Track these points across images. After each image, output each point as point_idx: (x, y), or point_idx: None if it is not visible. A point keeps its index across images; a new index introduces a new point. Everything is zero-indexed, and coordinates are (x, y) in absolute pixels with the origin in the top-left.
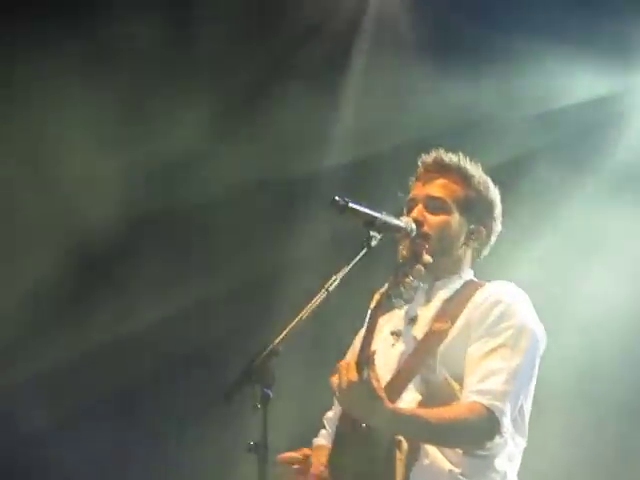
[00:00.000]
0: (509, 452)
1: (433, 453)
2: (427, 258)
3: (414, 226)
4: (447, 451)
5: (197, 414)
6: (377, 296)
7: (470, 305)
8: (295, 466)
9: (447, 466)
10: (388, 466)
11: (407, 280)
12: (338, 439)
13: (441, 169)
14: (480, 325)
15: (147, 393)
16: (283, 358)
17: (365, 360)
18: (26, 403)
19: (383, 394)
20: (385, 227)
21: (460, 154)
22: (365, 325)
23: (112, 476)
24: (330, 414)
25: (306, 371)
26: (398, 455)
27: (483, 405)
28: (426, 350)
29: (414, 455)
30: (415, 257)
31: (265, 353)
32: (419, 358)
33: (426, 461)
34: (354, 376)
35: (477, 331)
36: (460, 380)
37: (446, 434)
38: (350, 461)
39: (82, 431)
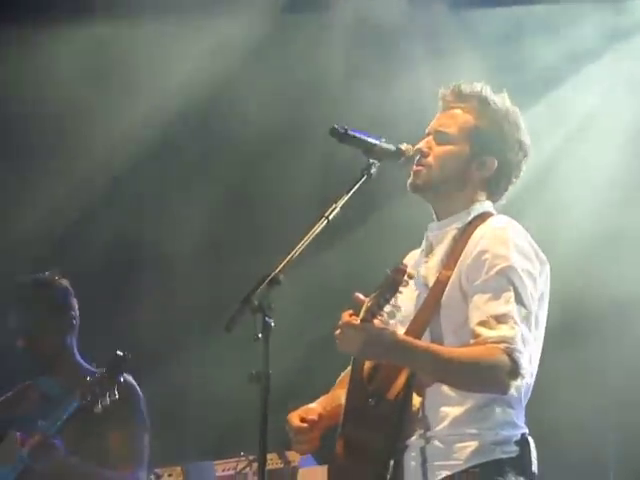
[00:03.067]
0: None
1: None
2: (412, 273)
3: (413, 153)
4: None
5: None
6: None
7: (466, 249)
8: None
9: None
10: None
11: (386, 309)
12: (347, 414)
13: (458, 99)
14: (472, 275)
15: None
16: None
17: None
18: None
19: (390, 329)
20: (384, 154)
21: (483, 84)
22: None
23: None
24: (344, 374)
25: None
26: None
27: (500, 349)
28: (433, 302)
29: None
30: (395, 285)
31: (266, 282)
32: (429, 309)
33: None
34: (355, 319)
35: (471, 281)
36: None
37: (466, 373)
38: (357, 441)
39: None
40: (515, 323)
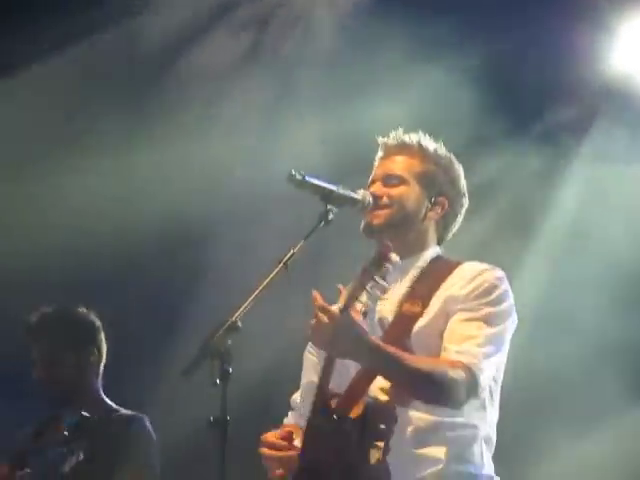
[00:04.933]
0: (484, 430)
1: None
2: (395, 257)
3: (371, 199)
4: (423, 428)
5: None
6: (343, 292)
7: (445, 286)
8: (280, 453)
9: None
10: (361, 453)
11: (374, 281)
12: (310, 431)
13: (400, 147)
14: (460, 301)
15: None
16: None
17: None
18: None
19: (365, 328)
20: (342, 200)
21: (420, 132)
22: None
23: None
24: (296, 397)
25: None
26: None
27: (462, 363)
28: (399, 333)
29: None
30: (382, 257)
31: (223, 329)
32: (391, 340)
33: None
34: (333, 311)
35: (456, 306)
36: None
37: (426, 380)
38: (324, 454)
39: None
40: (482, 342)
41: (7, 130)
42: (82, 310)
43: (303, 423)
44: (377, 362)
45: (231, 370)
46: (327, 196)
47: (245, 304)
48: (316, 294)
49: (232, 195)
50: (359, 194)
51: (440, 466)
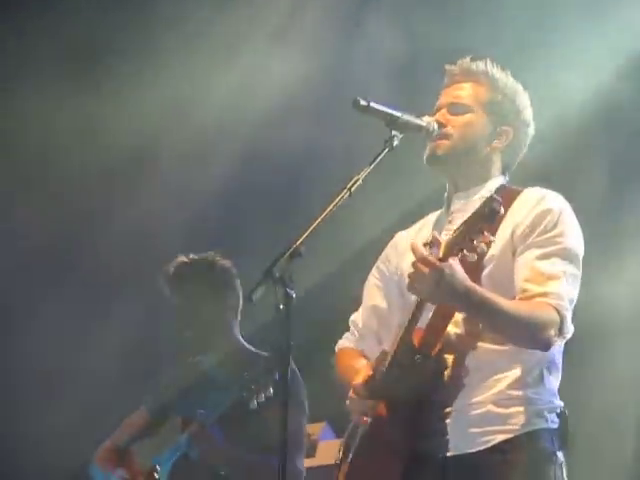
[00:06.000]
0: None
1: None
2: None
3: (436, 125)
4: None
5: None
6: (439, 239)
7: (511, 212)
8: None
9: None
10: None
11: (483, 235)
12: (392, 368)
13: (467, 74)
14: (530, 233)
15: None
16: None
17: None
18: None
19: (465, 276)
20: (406, 126)
21: (487, 60)
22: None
23: None
24: (357, 319)
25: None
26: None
27: (550, 305)
28: (471, 263)
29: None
30: (494, 212)
31: (287, 254)
32: (467, 272)
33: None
34: (434, 262)
35: (529, 239)
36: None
37: (523, 327)
38: (404, 390)
39: None
40: (564, 281)
41: None
42: (219, 257)
43: (363, 346)
44: (476, 313)
45: (294, 295)
46: (392, 122)
47: (309, 229)
48: (414, 243)
49: None
50: (424, 121)
51: (495, 390)
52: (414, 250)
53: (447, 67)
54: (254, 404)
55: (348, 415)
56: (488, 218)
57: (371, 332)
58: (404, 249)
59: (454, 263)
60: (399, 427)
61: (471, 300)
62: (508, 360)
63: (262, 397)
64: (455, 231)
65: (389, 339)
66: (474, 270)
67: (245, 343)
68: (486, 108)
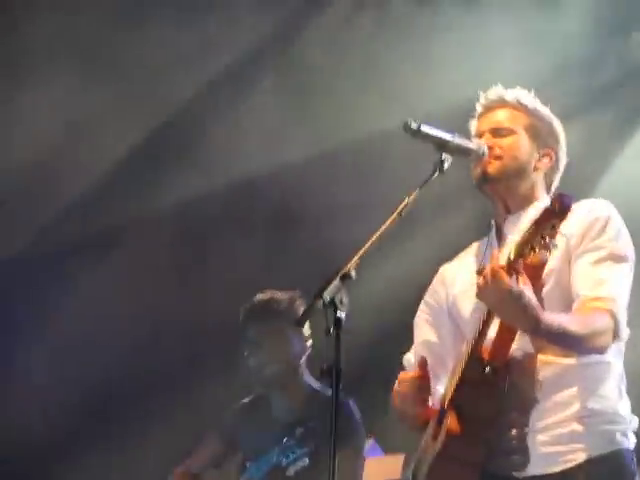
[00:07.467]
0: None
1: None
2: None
3: (486, 148)
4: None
5: None
6: (515, 244)
7: (564, 228)
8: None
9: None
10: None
11: (555, 231)
12: (463, 381)
13: (502, 102)
14: (583, 241)
15: None
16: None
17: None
18: None
19: (530, 294)
20: (457, 149)
21: (519, 88)
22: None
23: None
24: (410, 357)
25: None
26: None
27: (605, 309)
28: (531, 273)
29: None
30: (565, 207)
31: (338, 277)
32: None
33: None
34: (502, 277)
35: (580, 247)
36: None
37: (584, 340)
38: (473, 404)
39: None
40: (616, 284)
41: None
42: (296, 296)
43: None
44: (538, 333)
45: (344, 318)
46: (442, 145)
47: (359, 253)
48: (496, 252)
49: None
50: (474, 143)
51: (576, 406)
52: (492, 259)
53: (482, 95)
54: (290, 472)
55: (395, 431)
56: (559, 214)
57: None
58: (452, 279)
59: (523, 279)
60: (474, 445)
61: (533, 323)
62: (578, 374)
63: (298, 466)
64: (526, 231)
65: (444, 373)
66: (536, 276)
67: (311, 382)
68: (528, 131)
